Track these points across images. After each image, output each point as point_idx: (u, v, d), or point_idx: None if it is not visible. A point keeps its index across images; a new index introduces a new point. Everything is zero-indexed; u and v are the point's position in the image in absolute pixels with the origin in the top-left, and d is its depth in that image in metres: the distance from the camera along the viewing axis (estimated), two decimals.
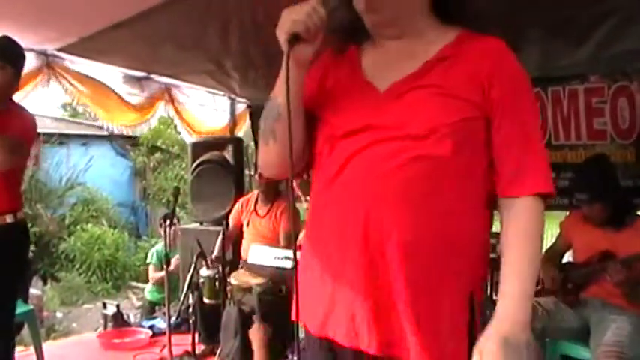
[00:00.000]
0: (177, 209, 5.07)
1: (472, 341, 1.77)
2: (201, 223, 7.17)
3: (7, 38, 4.02)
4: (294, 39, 1.76)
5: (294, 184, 7.53)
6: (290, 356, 5.01)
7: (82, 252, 12.95)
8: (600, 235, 4.19)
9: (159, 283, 7.89)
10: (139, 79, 6.56)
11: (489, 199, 1.90)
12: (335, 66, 2.05)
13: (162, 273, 7.35)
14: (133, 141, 15.30)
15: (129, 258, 13.63)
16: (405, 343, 1.79)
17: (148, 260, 8.46)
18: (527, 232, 1.80)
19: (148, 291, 8.29)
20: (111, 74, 6.25)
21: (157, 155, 15.90)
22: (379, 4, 1.88)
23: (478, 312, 1.84)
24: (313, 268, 1.97)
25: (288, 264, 4.68)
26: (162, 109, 6.97)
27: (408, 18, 1.93)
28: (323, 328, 1.94)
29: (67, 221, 13.77)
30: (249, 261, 5.14)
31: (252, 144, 8.44)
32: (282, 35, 1.78)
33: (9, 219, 3.99)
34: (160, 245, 8.10)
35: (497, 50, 1.88)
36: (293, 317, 1.84)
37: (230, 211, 6.49)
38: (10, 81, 3.98)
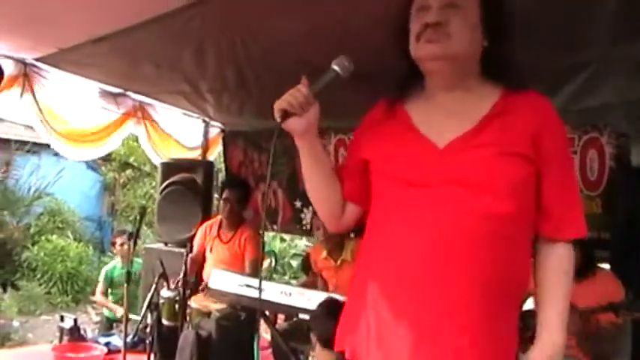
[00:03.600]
0: (144, 227, 5.05)
1: None
2: (165, 244, 7.09)
3: None
4: (284, 115, 2.05)
5: (260, 210, 7.54)
6: None
7: (44, 262, 12.86)
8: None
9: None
10: (114, 95, 6.53)
11: (533, 239, 2.12)
12: (383, 123, 2.20)
13: (104, 300, 7.72)
14: (104, 155, 15.18)
15: (91, 272, 13.44)
16: None
17: (99, 278, 8.26)
18: (566, 272, 2.09)
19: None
20: (87, 88, 6.23)
21: (128, 172, 15.81)
22: (436, 55, 2.03)
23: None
24: (366, 299, 2.13)
25: (250, 292, 4.64)
26: (131, 127, 6.95)
27: (463, 73, 2.09)
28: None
29: (32, 230, 13.68)
30: (211, 286, 5.10)
31: (222, 168, 8.39)
32: (276, 115, 2.05)
33: None
34: (112, 264, 8.11)
35: (544, 105, 2.08)
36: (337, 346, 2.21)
37: (195, 234, 6.44)
38: None
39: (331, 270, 5.59)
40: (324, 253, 5.67)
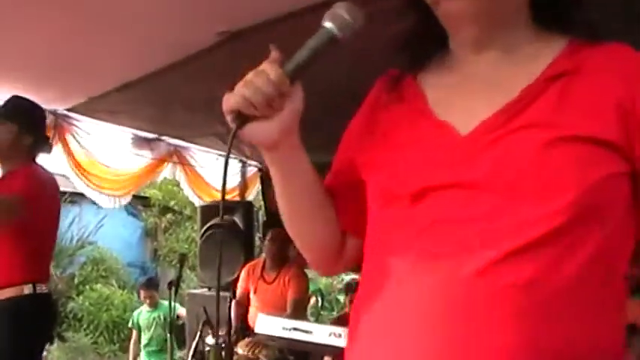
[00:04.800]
0: (188, 271, 4.96)
1: None
2: (209, 289, 7.03)
3: (14, 97, 3.91)
4: (240, 119, 1.26)
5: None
6: None
7: (89, 312, 12.78)
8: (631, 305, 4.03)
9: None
10: (148, 141, 6.49)
11: (626, 280, 1.21)
12: (389, 103, 1.40)
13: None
14: (144, 201, 15.23)
15: None
16: None
17: (130, 324, 8.23)
18: None
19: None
20: (120, 135, 6.20)
21: (169, 216, 15.83)
22: None
23: None
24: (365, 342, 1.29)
25: (298, 335, 4.52)
26: (168, 171, 6.94)
27: (500, 15, 1.26)
28: None
29: (76, 280, 13.58)
30: (257, 331, 4.96)
31: (262, 208, 8.29)
32: (227, 118, 1.28)
33: (26, 290, 3.64)
34: (139, 310, 8.06)
35: (634, 58, 1.21)
36: None
37: (239, 277, 6.34)
38: (11, 138, 3.76)
39: None
40: None
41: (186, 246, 14.93)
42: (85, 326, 12.72)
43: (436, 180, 1.19)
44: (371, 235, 1.35)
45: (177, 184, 13.18)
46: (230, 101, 1.25)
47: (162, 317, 7.33)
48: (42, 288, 3.73)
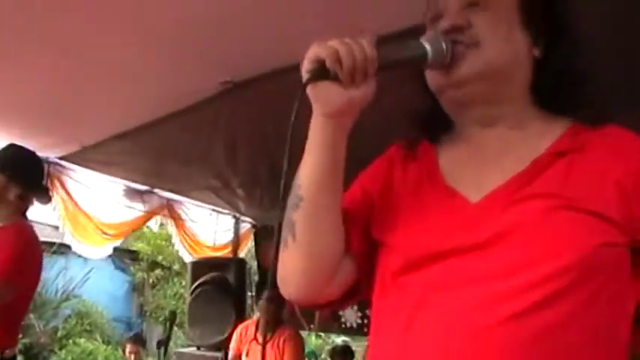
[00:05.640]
0: (175, 329, 4.81)
1: None
2: (198, 348, 6.83)
3: (9, 145, 3.85)
4: (320, 71, 1.22)
5: (296, 309, 7.28)
6: None
7: None
8: None
9: None
10: (140, 193, 6.38)
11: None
12: (403, 166, 1.51)
13: None
14: (132, 255, 15.10)
15: None
16: None
17: None
18: None
19: None
20: (112, 185, 6.10)
21: (157, 271, 15.76)
22: (468, 76, 1.35)
23: None
24: None
25: None
26: (152, 222, 6.90)
27: (505, 98, 1.40)
28: None
29: (59, 334, 13.42)
30: None
31: (254, 265, 8.19)
32: (304, 64, 1.25)
33: (9, 352, 3.61)
34: None
35: (634, 141, 1.33)
36: None
37: (230, 336, 6.19)
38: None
39: None
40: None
41: (174, 302, 14.83)
42: None
43: (451, 243, 1.27)
44: (385, 291, 1.40)
45: (167, 239, 13.11)
46: (318, 50, 1.22)
47: None
48: (12, 351, 3.69)
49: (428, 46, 1.31)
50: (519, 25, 1.39)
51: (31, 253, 3.78)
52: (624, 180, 1.24)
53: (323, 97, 1.26)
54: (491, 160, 1.38)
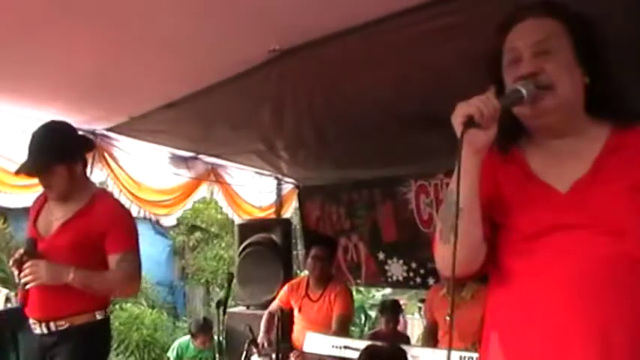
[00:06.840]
0: (217, 290, 4.89)
1: None
2: (248, 307, 6.97)
3: (47, 131, 3.70)
4: (469, 122, 1.73)
5: (342, 265, 7.38)
6: None
7: (120, 332, 12.72)
8: None
9: None
10: (185, 159, 6.50)
11: None
12: (502, 166, 2.05)
13: None
14: None
15: (167, 338, 13.29)
16: None
17: (167, 354, 7.88)
18: None
19: None
20: (158, 154, 6.21)
21: (197, 234, 15.78)
22: (548, 110, 1.88)
23: None
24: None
25: (348, 353, 4.46)
26: (204, 191, 6.94)
27: (572, 118, 1.94)
28: None
29: None
30: (305, 349, 4.89)
31: (299, 225, 8.28)
32: (457, 119, 1.76)
33: (99, 315, 3.72)
34: (184, 339, 7.71)
35: None
36: None
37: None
38: (66, 178, 3.65)
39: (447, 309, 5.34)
40: (444, 290, 5.59)
41: (215, 264, 14.92)
42: (115, 346, 12.67)
43: (549, 222, 1.86)
44: (514, 254, 1.96)
45: (203, 202, 13.19)
46: (466, 108, 1.75)
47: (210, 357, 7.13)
48: (102, 314, 3.79)
49: (524, 91, 1.82)
50: (575, 62, 1.89)
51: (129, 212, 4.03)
52: None
53: (475, 139, 1.77)
54: (565, 161, 1.93)
